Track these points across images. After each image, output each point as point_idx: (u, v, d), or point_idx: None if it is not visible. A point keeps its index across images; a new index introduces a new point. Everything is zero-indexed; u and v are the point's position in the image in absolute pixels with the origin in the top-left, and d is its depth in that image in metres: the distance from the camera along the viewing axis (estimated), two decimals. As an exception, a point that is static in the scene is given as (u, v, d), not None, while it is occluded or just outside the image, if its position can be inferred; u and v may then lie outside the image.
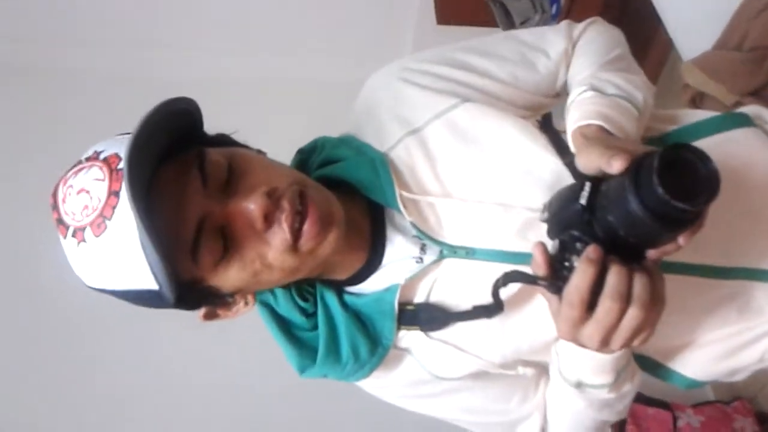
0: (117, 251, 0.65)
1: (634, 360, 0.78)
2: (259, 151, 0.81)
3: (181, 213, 0.67)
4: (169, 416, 2.17)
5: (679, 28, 1.66)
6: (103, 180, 0.65)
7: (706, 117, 0.91)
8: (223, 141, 0.78)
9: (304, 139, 0.90)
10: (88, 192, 0.66)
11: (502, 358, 0.83)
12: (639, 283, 0.61)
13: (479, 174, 0.79)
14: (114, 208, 0.64)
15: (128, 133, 0.70)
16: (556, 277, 0.66)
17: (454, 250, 0.79)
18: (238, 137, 0.82)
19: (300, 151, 0.88)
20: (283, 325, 0.83)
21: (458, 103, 0.80)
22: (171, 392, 2.17)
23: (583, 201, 0.63)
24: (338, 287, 0.84)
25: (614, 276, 0.61)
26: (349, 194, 0.83)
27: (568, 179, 0.75)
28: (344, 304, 0.82)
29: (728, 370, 0.89)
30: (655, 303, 0.62)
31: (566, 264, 0.64)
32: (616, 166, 0.61)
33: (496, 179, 0.78)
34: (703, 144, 0.83)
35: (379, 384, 0.87)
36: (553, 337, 0.77)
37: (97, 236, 0.65)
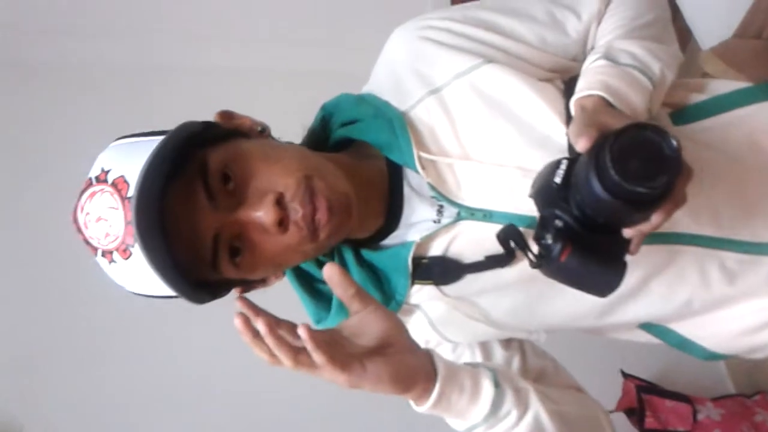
0: (147, 271, 0.66)
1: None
2: (263, 130, 0.81)
3: (195, 233, 0.68)
4: (181, 417, 2.18)
5: (697, 17, 1.64)
6: (117, 209, 0.67)
7: (736, 88, 0.88)
8: (224, 133, 0.76)
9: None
10: (106, 220, 0.68)
11: (525, 333, 0.84)
12: None
13: (499, 137, 0.78)
14: (134, 237, 0.65)
15: (126, 137, 0.73)
16: (536, 253, 0.66)
17: (472, 212, 0.78)
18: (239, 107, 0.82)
19: (323, 108, 0.88)
20: (303, 277, 0.86)
21: (481, 63, 0.79)
22: (187, 395, 2.18)
23: (557, 179, 0.63)
24: (357, 244, 0.85)
25: None
26: (369, 154, 0.83)
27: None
28: (361, 260, 0.83)
29: (750, 346, 0.88)
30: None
31: (542, 242, 0.64)
32: (580, 144, 0.61)
33: (515, 143, 0.77)
34: (732, 115, 0.84)
35: None
36: (592, 306, 0.79)
37: (126, 259, 0.68)
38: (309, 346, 0.59)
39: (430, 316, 0.84)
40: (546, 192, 0.66)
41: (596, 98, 0.72)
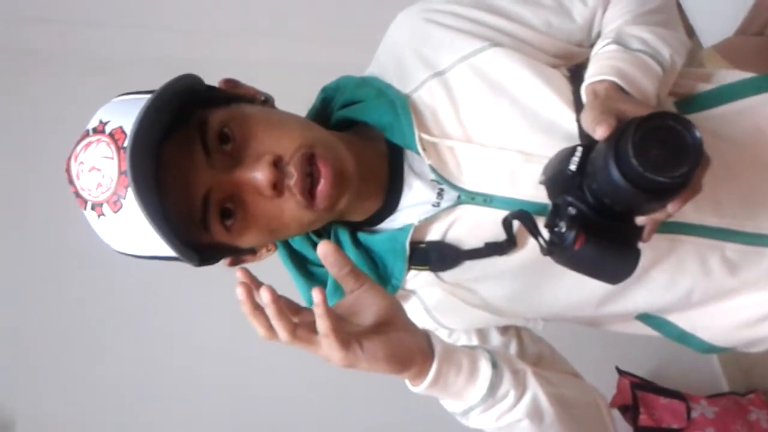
0: (136, 225, 0.65)
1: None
2: (266, 99, 0.81)
3: (188, 188, 0.67)
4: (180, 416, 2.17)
5: (699, 14, 1.64)
6: (112, 158, 0.66)
7: (743, 78, 0.87)
8: (227, 97, 0.76)
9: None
10: (99, 170, 0.66)
11: (523, 321, 0.84)
12: None
13: (502, 120, 0.77)
14: (126, 187, 0.64)
15: (130, 93, 0.72)
16: (548, 240, 0.66)
17: (472, 197, 0.77)
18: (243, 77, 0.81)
19: (324, 89, 0.87)
20: (297, 259, 0.85)
21: (486, 46, 0.78)
22: (183, 391, 2.18)
23: (572, 167, 0.63)
24: (353, 226, 0.84)
25: None
26: (369, 135, 0.82)
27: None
28: (357, 242, 0.82)
29: (750, 339, 0.88)
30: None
31: (555, 229, 0.64)
32: (598, 132, 0.60)
33: (518, 127, 0.77)
34: (738, 105, 0.83)
35: None
36: (592, 294, 0.79)
37: (115, 212, 0.66)
38: (319, 310, 0.59)
39: (426, 303, 0.84)
40: (559, 179, 0.65)
41: (608, 84, 0.71)
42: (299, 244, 0.84)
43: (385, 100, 0.80)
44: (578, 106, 0.75)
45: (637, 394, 2.16)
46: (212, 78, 0.78)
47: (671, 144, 0.56)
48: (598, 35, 0.83)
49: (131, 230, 0.67)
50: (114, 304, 2.15)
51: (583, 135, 0.68)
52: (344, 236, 0.82)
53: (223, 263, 0.79)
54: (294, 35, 2.53)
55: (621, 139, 0.57)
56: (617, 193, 0.58)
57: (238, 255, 0.80)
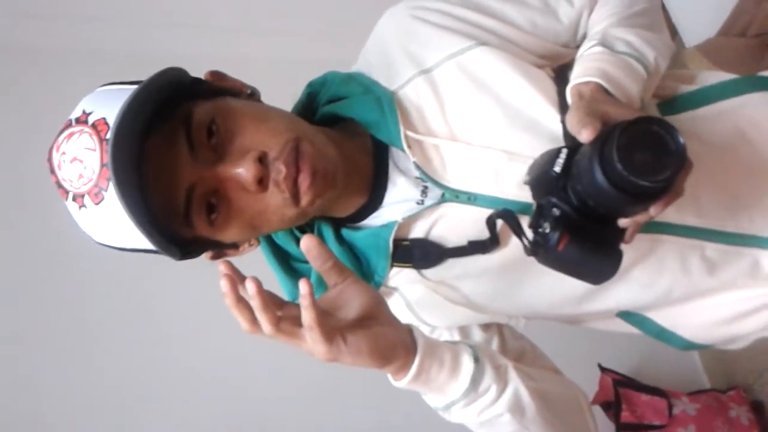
0: (117, 218, 0.65)
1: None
2: (252, 93, 0.80)
3: (170, 183, 0.67)
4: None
5: (682, 14, 1.65)
6: (94, 150, 0.65)
7: (725, 79, 0.88)
8: (212, 90, 0.75)
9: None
10: (81, 161, 0.66)
11: (505, 318, 0.84)
12: None
13: (487, 119, 0.78)
14: (108, 179, 0.64)
15: (114, 84, 0.71)
16: (532, 240, 0.66)
17: (456, 195, 0.78)
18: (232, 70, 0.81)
19: (310, 85, 0.87)
20: (279, 254, 0.85)
21: (473, 45, 0.79)
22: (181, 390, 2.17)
23: (557, 168, 0.64)
24: (336, 223, 0.84)
25: None
26: (355, 131, 0.82)
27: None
28: (340, 239, 0.82)
29: (729, 336, 0.89)
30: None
31: (539, 230, 0.65)
32: (584, 135, 0.61)
33: (503, 126, 0.77)
34: (720, 107, 0.84)
35: None
36: (573, 292, 0.80)
37: (96, 204, 0.66)
38: (305, 301, 0.59)
39: (409, 299, 0.84)
40: (544, 180, 0.66)
41: (593, 85, 0.72)
42: (282, 239, 0.84)
43: (371, 96, 0.80)
44: (563, 106, 0.76)
45: (619, 391, 2.18)
46: (201, 72, 0.78)
47: (655, 149, 0.56)
48: (584, 37, 0.84)
49: (112, 223, 0.66)
50: (113, 304, 2.14)
51: (568, 136, 0.68)
52: (328, 232, 0.82)
53: (204, 257, 0.79)
54: (281, 31, 2.53)
55: (606, 142, 0.57)
56: (601, 195, 0.59)
57: (220, 249, 0.79)
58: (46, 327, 2.10)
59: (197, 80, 0.75)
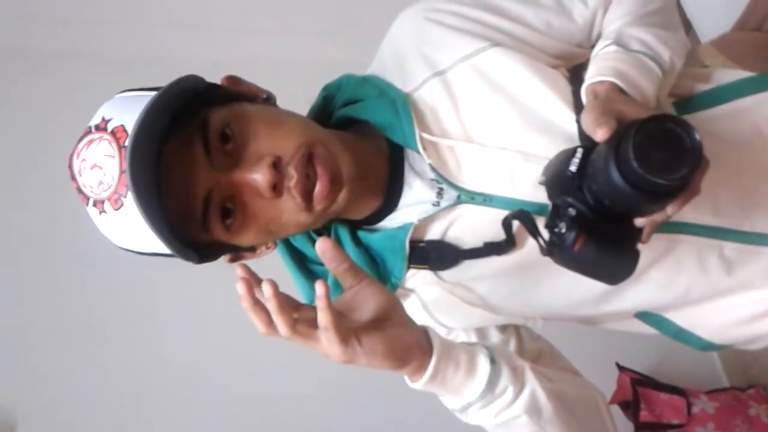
0: (136, 223, 0.65)
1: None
2: (268, 98, 0.81)
3: (188, 189, 0.68)
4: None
5: (697, 9, 1.64)
6: (113, 157, 0.66)
7: (741, 77, 0.88)
8: (228, 95, 0.76)
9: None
10: (101, 168, 0.67)
11: (522, 319, 0.84)
12: None
13: (502, 120, 0.78)
14: (127, 186, 0.64)
15: (133, 90, 0.72)
16: (548, 241, 0.66)
17: (472, 196, 0.78)
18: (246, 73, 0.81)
19: (326, 88, 0.88)
20: (297, 257, 0.85)
21: (487, 46, 0.79)
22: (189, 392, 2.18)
23: (573, 168, 0.63)
24: (353, 225, 0.84)
25: None
26: (370, 134, 0.83)
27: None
28: (357, 241, 0.83)
29: (748, 336, 0.88)
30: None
31: (555, 230, 0.64)
32: (599, 134, 0.61)
33: (518, 127, 0.77)
34: (737, 105, 0.84)
35: None
36: (590, 293, 0.80)
37: (117, 210, 0.67)
38: (321, 303, 0.59)
39: (425, 301, 0.84)
40: (560, 180, 0.66)
41: (608, 84, 0.71)
42: (300, 242, 0.85)
43: (386, 99, 0.80)
44: (578, 106, 0.75)
45: (637, 390, 2.17)
46: (214, 75, 0.79)
47: (671, 146, 0.56)
48: (599, 36, 0.84)
49: (132, 228, 0.67)
50: (115, 303, 2.16)
51: (583, 136, 0.68)
52: (344, 234, 0.83)
53: (222, 260, 0.80)
54: (297, 32, 2.53)
55: (621, 141, 0.57)
56: (617, 194, 0.59)
57: (237, 252, 0.80)
58: (49, 326, 2.12)
59: (213, 86, 0.76)
